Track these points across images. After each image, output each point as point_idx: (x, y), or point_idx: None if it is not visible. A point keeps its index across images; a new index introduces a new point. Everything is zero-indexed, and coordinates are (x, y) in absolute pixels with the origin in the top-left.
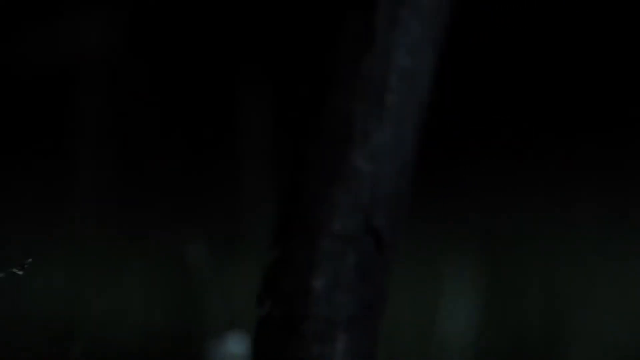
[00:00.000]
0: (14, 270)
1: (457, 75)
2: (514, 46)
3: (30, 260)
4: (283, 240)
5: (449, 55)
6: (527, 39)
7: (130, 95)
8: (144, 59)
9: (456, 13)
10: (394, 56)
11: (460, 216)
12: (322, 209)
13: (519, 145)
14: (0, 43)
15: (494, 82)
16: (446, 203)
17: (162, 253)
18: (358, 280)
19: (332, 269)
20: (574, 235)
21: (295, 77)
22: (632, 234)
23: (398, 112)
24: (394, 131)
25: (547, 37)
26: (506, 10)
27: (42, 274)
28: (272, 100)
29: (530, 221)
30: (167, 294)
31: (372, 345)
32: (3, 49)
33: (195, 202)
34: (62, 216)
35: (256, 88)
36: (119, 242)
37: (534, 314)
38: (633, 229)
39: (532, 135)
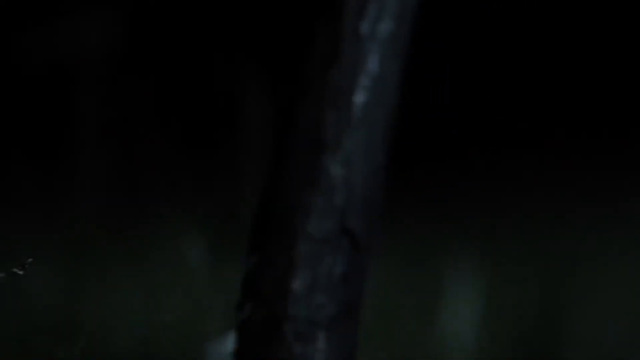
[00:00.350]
0: (14, 270)
1: (457, 76)
2: (513, 46)
3: (30, 260)
4: (261, 245)
5: (448, 56)
6: (526, 38)
7: (130, 94)
8: (144, 58)
9: (423, 18)
10: (361, 64)
11: (460, 216)
12: (298, 213)
13: (519, 145)
14: (0, 42)
15: (494, 83)
16: (446, 204)
17: (162, 253)
18: (336, 281)
19: (310, 271)
20: (573, 234)
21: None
22: (631, 234)
23: (368, 117)
24: (364, 136)
25: (545, 37)
26: (504, 11)
27: (42, 274)
28: (271, 98)
29: (530, 221)
30: (167, 293)
31: (352, 343)
32: (3, 48)
33: (195, 202)
34: (62, 216)
35: (255, 87)
36: (118, 241)
37: (533, 313)
38: (632, 228)
39: (532, 135)
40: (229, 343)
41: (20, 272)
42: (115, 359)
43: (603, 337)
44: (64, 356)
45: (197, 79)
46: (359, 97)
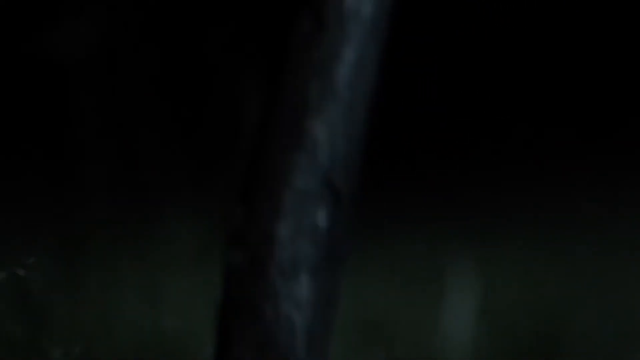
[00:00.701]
0: (15, 270)
1: (457, 76)
2: (511, 43)
3: (31, 259)
4: (248, 197)
5: (447, 56)
6: (524, 36)
7: (131, 94)
8: (145, 57)
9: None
10: (344, 40)
11: (459, 217)
12: (284, 169)
13: (519, 145)
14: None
15: (494, 83)
16: (445, 203)
17: (164, 253)
18: (319, 229)
19: (294, 220)
20: (572, 234)
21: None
22: (631, 233)
23: (350, 87)
24: (347, 103)
25: (544, 34)
26: (497, 7)
27: (43, 274)
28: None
29: (529, 221)
30: (169, 293)
31: (335, 286)
32: (3, 46)
33: (196, 202)
34: (63, 216)
35: (255, 87)
36: (120, 241)
37: (532, 313)
38: (632, 228)
39: (532, 135)
40: None
41: (22, 273)
42: (117, 358)
43: (603, 336)
44: (66, 356)
45: (198, 79)
46: (342, 69)
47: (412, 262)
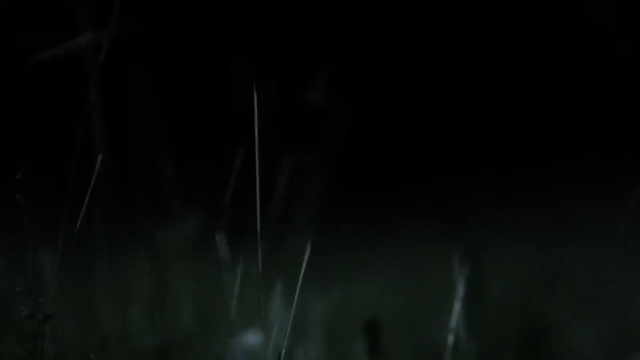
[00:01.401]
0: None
1: (457, 81)
2: (514, 45)
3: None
4: None
5: (447, 57)
6: (525, 36)
7: (132, 95)
8: (147, 58)
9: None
10: None
11: (457, 217)
12: None
13: (516, 145)
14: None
15: (494, 85)
16: (443, 204)
17: (176, 256)
18: None
19: None
20: (570, 235)
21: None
22: (629, 233)
23: None
24: None
25: (546, 35)
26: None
27: (51, 276)
28: (274, 100)
29: (526, 222)
30: (180, 295)
31: None
32: (3, 46)
33: (206, 204)
34: (69, 218)
35: (258, 89)
36: (119, 242)
37: (529, 312)
38: (622, 227)
39: (528, 135)
40: (252, 338)
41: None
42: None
43: (588, 331)
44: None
45: (200, 81)
46: None
47: (411, 263)
